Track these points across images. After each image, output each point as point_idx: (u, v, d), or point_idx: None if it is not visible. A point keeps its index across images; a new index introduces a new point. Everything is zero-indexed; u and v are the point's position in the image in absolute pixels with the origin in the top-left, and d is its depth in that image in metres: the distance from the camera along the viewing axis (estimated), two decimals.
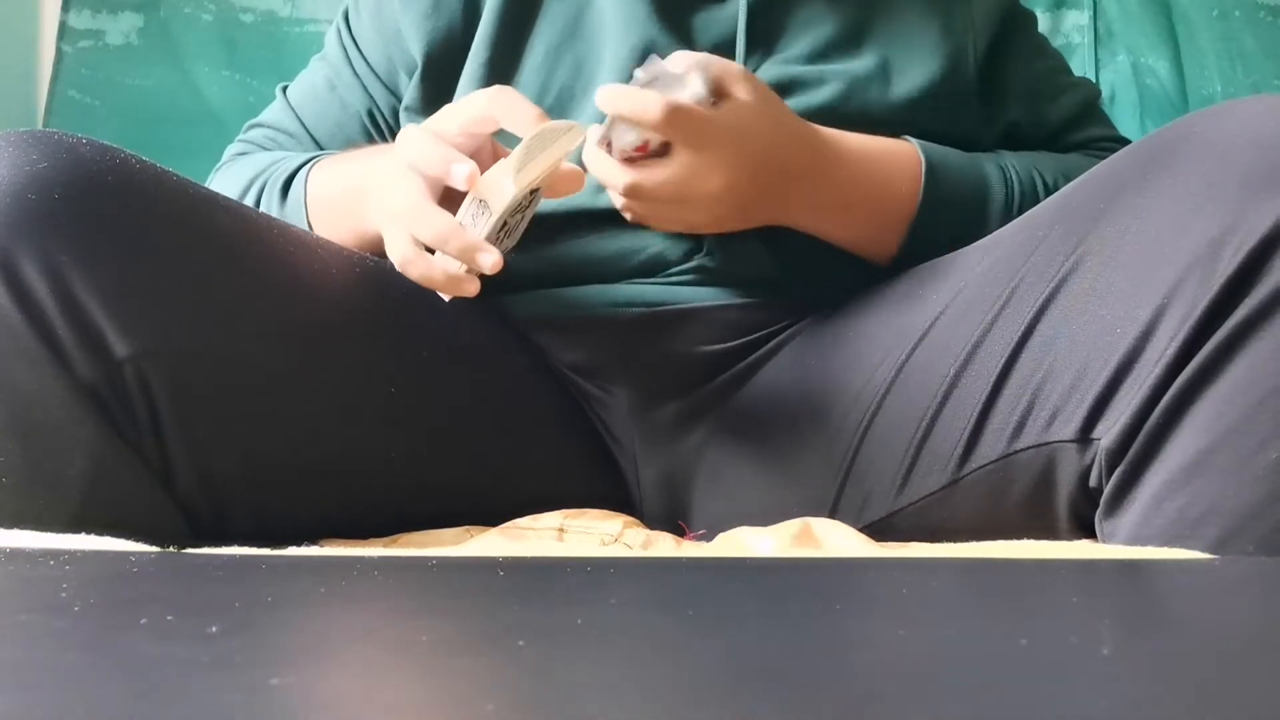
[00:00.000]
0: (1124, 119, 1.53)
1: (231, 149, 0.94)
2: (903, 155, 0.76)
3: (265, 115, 0.93)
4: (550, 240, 0.77)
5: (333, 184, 0.80)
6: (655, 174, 0.68)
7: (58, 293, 0.56)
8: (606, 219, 0.75)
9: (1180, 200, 0.57)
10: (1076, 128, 0.88)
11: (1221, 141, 0.57)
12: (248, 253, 0.65)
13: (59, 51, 1.62)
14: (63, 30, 1.62)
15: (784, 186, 0.72)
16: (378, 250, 0.78)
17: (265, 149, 0.91)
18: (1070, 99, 0.88)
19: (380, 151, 0.77)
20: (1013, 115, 0.85)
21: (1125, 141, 0.88)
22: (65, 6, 1.62)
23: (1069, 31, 1.57)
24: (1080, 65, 1.55)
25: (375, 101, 0.87)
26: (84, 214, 0.58)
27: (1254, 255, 0.54)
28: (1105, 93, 1.55)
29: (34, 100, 1.65)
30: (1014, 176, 0.79)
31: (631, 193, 0.68)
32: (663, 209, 0.70)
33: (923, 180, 0.75)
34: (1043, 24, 1.56)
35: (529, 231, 0.69)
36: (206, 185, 0.84)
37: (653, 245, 0.77)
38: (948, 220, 0.76)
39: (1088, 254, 0.61)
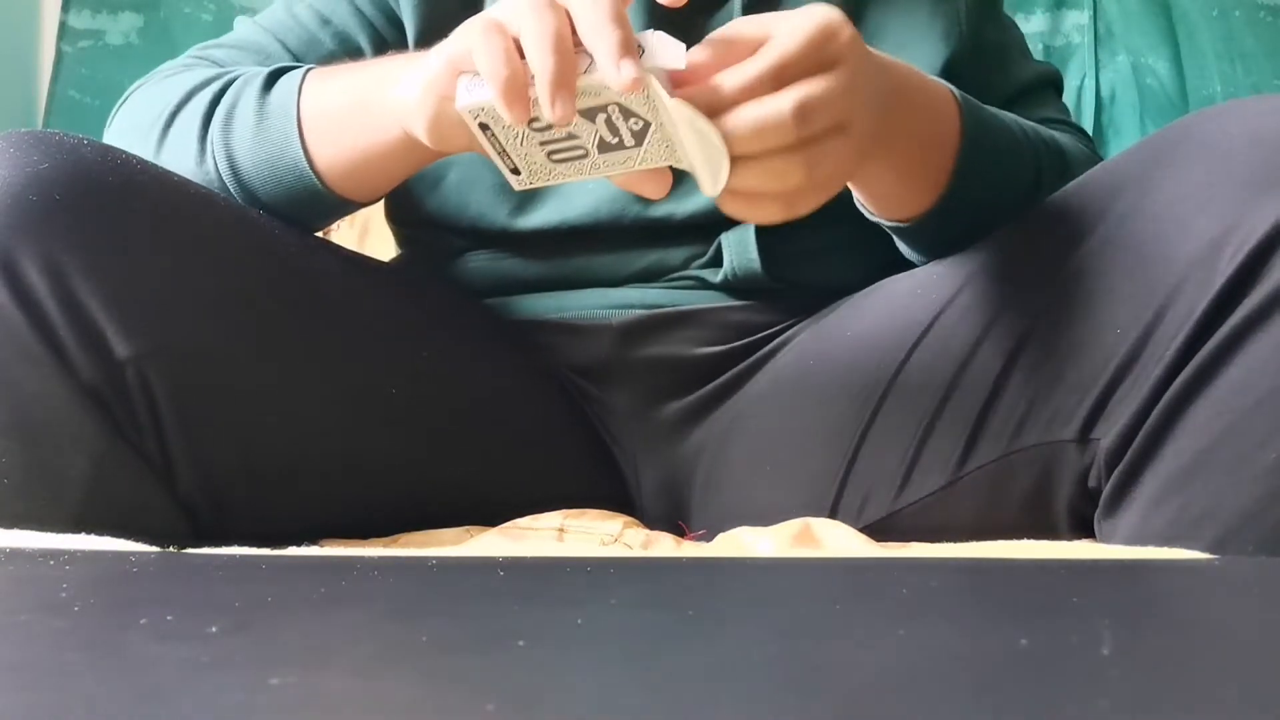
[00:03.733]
0: (1124, 119, 1.54)
1: (175, 62, 0.80)
2: (924, 76, 0.68)
3: (226, 37, 0.82)
4: (551, 250, 0.77)
5: (336, 93, 0.69)
6: (818, 85, 0.54)
7: (59, 293, 0.57)
8: (609, 230, 0.75)
9: (1181, 200, 0.57)
10: (1029, 101, 0.83)
11: (1222, 141, 0.57)
12: (249, 253, 0.65)
13: (59, 51, 1.62)
14: (63, 30, 1.63)
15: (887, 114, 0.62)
16: (384, 172, 0.69)
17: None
18: (1022, 72, 0.84)
19: (400, 60, 0.66)
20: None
21: (1081, 130, 0.84)
22: (65, 6, 1.63)
23: (1069, 31, 1.57)
24: (1080, 65, 1.56)
25: (386, 40, 0.79)
26: (85, 214, 0.58)
27: (1254, 255, 0.54)
28: (1105, 92, 1.55)
29: (34, 100, 1.65)
30: (1013, 118, 0.74)
31: (801, 113, 0.53)
32: (827, 146, 0.55)
33: (957, 96, 0.68)
34: (1043, 24, 1.57)
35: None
36: (126, 96, 0.77)
37: (653, 253, 0.77)
38: (991, 137, 0.69)
39: (1089, 254, 0.61)
